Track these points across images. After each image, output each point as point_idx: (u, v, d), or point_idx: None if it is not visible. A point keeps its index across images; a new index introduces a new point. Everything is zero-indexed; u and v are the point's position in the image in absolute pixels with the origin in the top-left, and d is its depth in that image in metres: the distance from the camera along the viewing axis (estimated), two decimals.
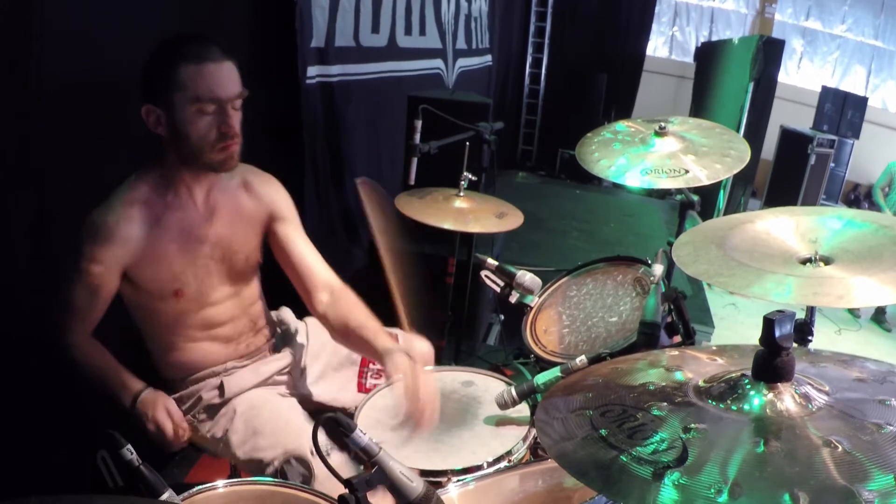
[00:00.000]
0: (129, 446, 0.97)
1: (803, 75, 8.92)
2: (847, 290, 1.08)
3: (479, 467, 1.33)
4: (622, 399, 0.85)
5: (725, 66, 6.68)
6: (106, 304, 1.46)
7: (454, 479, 1.28)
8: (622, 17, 7.98)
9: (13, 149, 1.53)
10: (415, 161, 2.27)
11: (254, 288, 1.68)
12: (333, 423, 0.94)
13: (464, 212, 2.23)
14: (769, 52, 5.85)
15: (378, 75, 3.59)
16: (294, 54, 2.56)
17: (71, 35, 1.61)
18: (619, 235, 5.20)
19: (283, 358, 1.71)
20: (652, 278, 1.53)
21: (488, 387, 1.65)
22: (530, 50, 7.88)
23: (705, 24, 9.19)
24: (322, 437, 0.96)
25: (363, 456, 0.96)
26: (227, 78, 1.40)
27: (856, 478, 0.63)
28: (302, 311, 1.88)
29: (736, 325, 4.58)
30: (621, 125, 2.13)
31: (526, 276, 1.85)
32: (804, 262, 1.21)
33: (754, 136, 5.81)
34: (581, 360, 1.48)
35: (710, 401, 0.81)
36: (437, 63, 4.65)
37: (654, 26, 8.64)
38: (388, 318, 1.68)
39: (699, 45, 8.56)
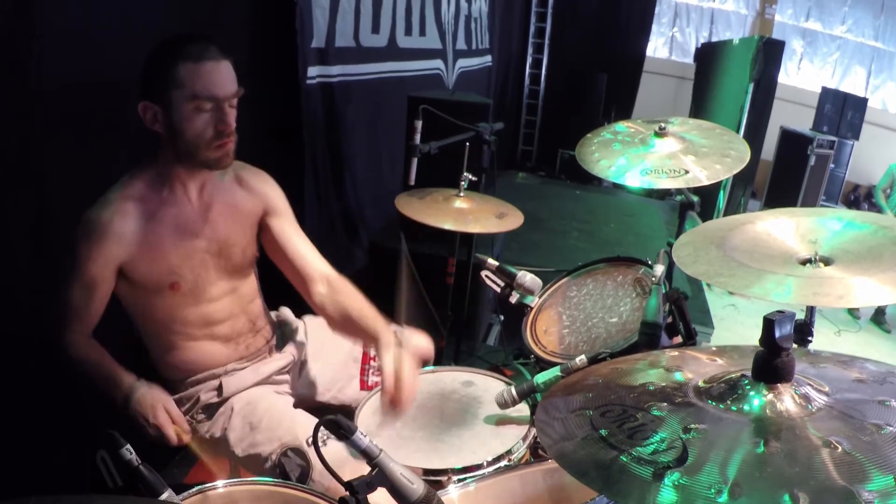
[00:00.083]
0: (129, 446, 0.97)
1: (803, 76, 8.92)
2: (847, 291, 1.08)
3: (479, 466, 1.33)
4: (622, 399, 0.85)
5: (725, 67, 6.68)
6: (103, 302, 1.46)
7: (454, 478, 1.29)
8: (622, 17, 7.98)
9: (13, 149, 1.53)
10: (415, 161, 2.27)
11: (251, 284, 1.68)
12: (334, 425, 0.94)
13: (464, 212, 2.23)
14: (769, 52, 5.85)
15: (378, 75, 3.59)
16: (294, 54, 2.56)
17: (71, 35, 1.61)
18: (619, 236, 5.20)
19: (283, 358, 1.71)
20: (653, 279, 1.53)
21: (488, 387, 1.65)
22: (530, 50, 7.88)
23: (705, 24, 9.19)
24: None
25: (364, 458, 0.96)
26: (224, 77, 1.41)
27: (855, 478, 0.63)
28: (300, 311, 1.89)
29: (736, 325, 4.58)
30: (621, 126, 2.13)
31: (526, 277, 1.85)
32: (804, 262, 1.21)
33: (754, 136, 5.81)
34: (581, 359, 1.48)
35: (710, 401, 0.81)
36: (437, 63, 4.65)
37: (654, 27, 8.64)
38: (389, 302, 1.69)
39: (699, 45, 8.56)
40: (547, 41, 7.84)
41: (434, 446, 1.42)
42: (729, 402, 0.79)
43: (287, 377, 1.72)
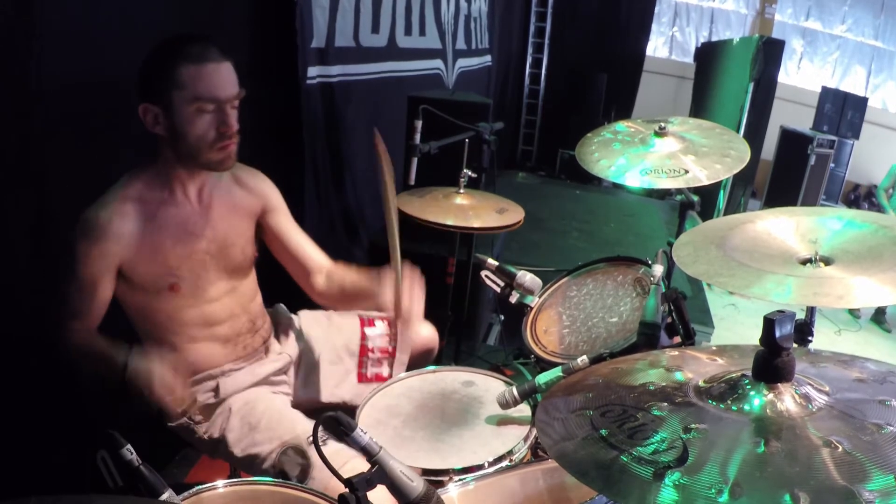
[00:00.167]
0: (129, 446, 0.97)
1: (803, 76, 8.92)
2: (847, 291, 1.08)
3: (480, 467, 1.33)
4: (622, 399, 0.85)
5: (725, 67, 6.68)
6: (103, 304, 1.45)
7: (455, 478, 1.29)
8: (622, 17, 7.98)
9: (13, 149, 1.53)
10: (415, 161, 2.27)
11: (251, 283, 1.68)
12: (334, 422, 0.94)
13: (464, 208, 2.23)
14: (769, 52, 5.85)
15: (378, 75, 3.58)
16: (294, 54, 2.56)
17: (71, 35, 1.61)
18: (619, 235, 5.21)
19: (280, 359, 1.71)
20: (652, 279, 1.53)
21: (489, 387, 1.65)
22: (530, 50, 7.88)
23: (705, 24, 9.19)
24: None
25: (364, 455, 0.96)
26: (226, 78, 1.41)
27: (856, 478, 0.63)
28: (293, 307, 1.89)
29: (736, 325, 4.57)
30: (621, 125, 2.13)
31: (526, 277, 1.85)
32: (804, 262, 1.21)
33: (754, 136, 5.81)
34: (583, 359, 1.48)
35: (710, 401, 0.81)
36: (437, 63, 4.65)
37: (654, 26, 8.64)
38: None
39: (699, 45, 8.56)
40: (547, 41, 7.83)
41: (435, 446, 1.42)
42: (729, 402, 0.79)
43: (284, 377, 1.72)
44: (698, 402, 0.81)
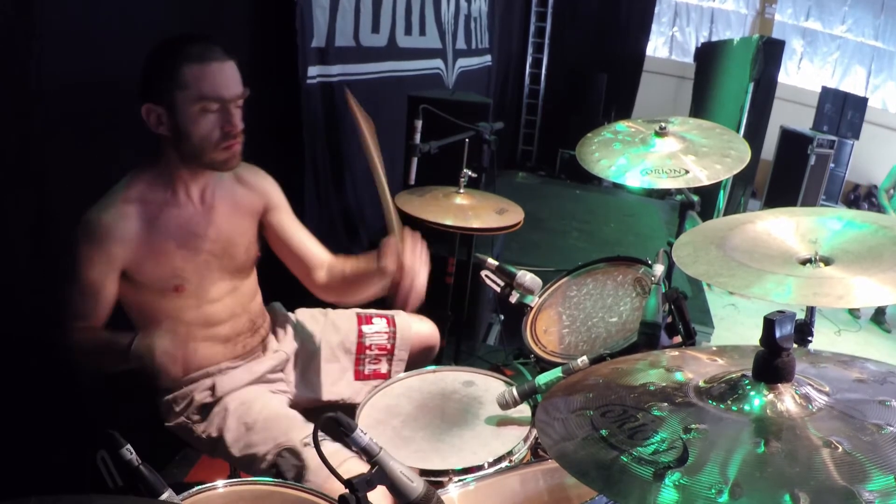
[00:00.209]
0: (129, 446, 0.97)
1: (803, 76, 8.92)
2: (847, 291, 1.08)
3: (479, 467, 1.33)
4: (623, 399, 0.85)
5: (725, 67, 6.68)
6: (108, 306, 1.44)
7: (455, 478, 1.29)
8: (622, 17, 7.98)
9: (13, 149, 1.53)
10: (415, 161, 2.28)
11: (252, 283, 1.68)
12: (334, 422, 0.94)
13: (464, 208, 2.23)
14: (769, 52, 5.84)
15: (378, 75, 3.58)
16: (294, 54, 2.56)
17: (71, 35, 1.61)
18: (619, 235, 5.21)
19: (276, 357, 1.70)
20: (652, 278, 1.53)
21: (489, 387, 1.65)
22: (530, 50, 7.87)
23: (705, 24, 9.19)
24: (312, 427, 0.96)
25: (364, 456, 0.96)
26: (230, 77, 1.40)
27: (856, 478, 0.63)
28: (291, 305, 1.89)
29: (736, 325, 4.57)
30: (621, 125, 2.13)
31: (526, 277, 1.85)
32: (804, 262, 1.21)
33: (754, 136, 5.81)
34: (583, 360, 1.48)
35: (710, 401, 0.81)
36: (437, 63, 4.65)
37: (654, 26, 8.64)
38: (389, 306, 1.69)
39: (699, 45, 8.56)
40: (547, 41, 7.83)
41: (435, 446, 1.42)
42: (729, 402, 0.79)
43: (281, 375, 1.72)
44: (698, 403, 0.81)
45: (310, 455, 1.40)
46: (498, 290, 1.87)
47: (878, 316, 5.01)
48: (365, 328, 1.84)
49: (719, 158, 1.87)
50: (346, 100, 1.59)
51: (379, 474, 0.94)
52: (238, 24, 2.36)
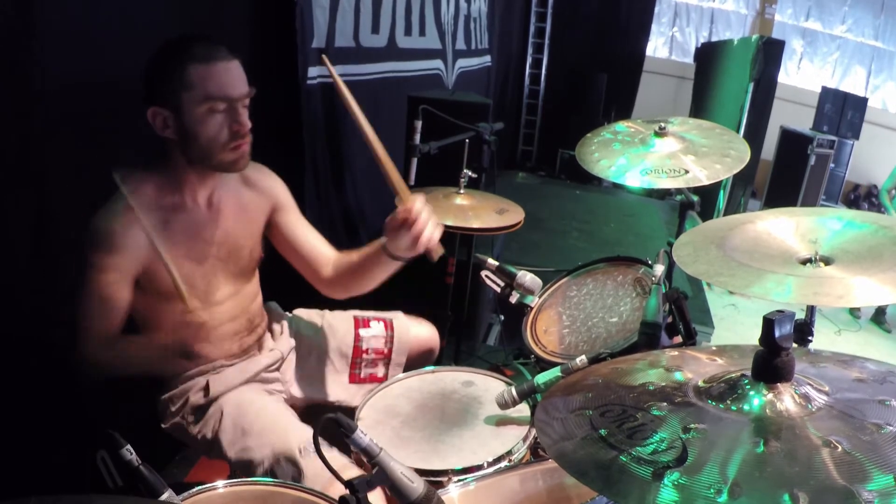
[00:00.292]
0: (129, 446, 0.97)
1: (803, 76, 8.91)
2: (847, 290, 1.08)
3: (479, 467, 1.33)
4: (622, 399, 0.85)
5: (725, 67, 6.68)
6: (126, 314, 1.42)
7: (455, 478, 1.29)
8: (622, 17, 7.98)
9: (13, 149, 1.53)
10: (415, 161, 2.28)
11: (254, 285, 1.68)
12: (334, 423, 0.94)
13: (464, 209, 2.23)
14: (769, 52, 5.85)
15: (378, 76, 3.58)
16: (294, 54, 2.56)
17: (71, 35, 1.61)
18: (619, 235, 5.21)
19: (271, 356, 1.69)
20: (653, 279, 1.53)
21: (488, 387, 1.65)
22: (530, 50, 7.88)
23: (705, 24, 9.19)
24: (310, 432, 0.96)
25: (364, 457, 0.96)
26: (236, 76, 1.39)
27: (855, 478, 0.63)
28: (288, 305, 1.89)
29: (736, 325, 4.57)
30: (621, 125, 2.13)
31: (526, 277, 1.85)
32: (804, 262, 1.21)
33: (754, 136, 5.81)
34: (581, 359, 1.48)
35: (709, 401, 0.81)
36: (437, 63, 4.65)
37: (654, 27, 8.64)
38: (389, 303, 1.68)
39: (699, 45, 8.56)
40: (547, 41, 7.83)
41: (434, 447, 1.42)
42: (729, 402, 0.79)
43: (277, 374, 1.70)
44: (698, 402, 0.81)
45: (307, 463, 1.39)
46: (498, 290, 1.87)
47: (878, 316, 5.01)
48: (362, 332, 1.82)
49: (719, 158, 1.87)
50: (327, 68, 1.57)
51: (379, 475, 0.94)
52: (238, 24, 2.36)
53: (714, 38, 8.88)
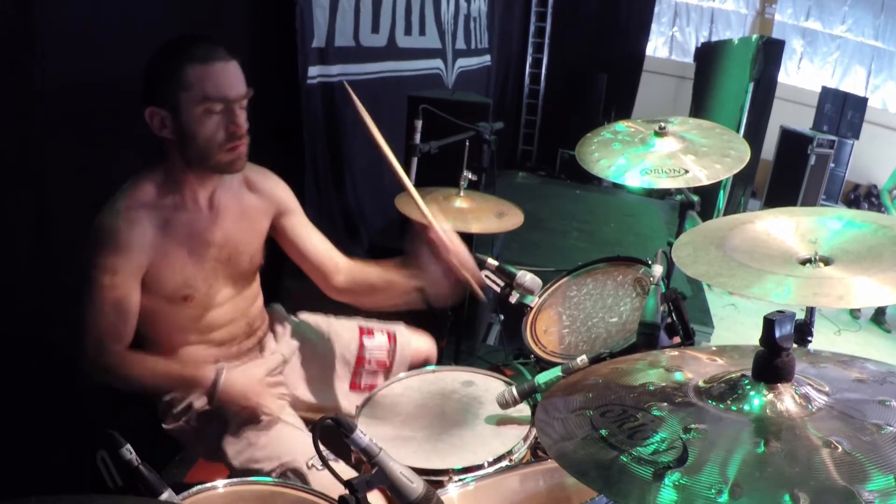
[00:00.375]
0: (129, 446, 0.97)
1: (803, 76, 8.91)
2: (847, 291, 1.08)
3: (479, 467, 1.33)
4: (622, 399, 0.85)
5: (725, 67, 6.68)
6: (136, 314, 1.41)
7: (455, 478, 1.28)
8: (622, 17, 7.98)
9: (13, 149, 1.53)
10: (415, 161, 2.28)
11: (255, 289, 1.67)
12: (334, 423, 0.94)
13: (464, 211, 2.23)
14: (769, 52, 5.84)
15: (378, 75, 3.59)
16: (294, 54, 2.56)
17: (71, 35, 1.61)
18: (619, 235, 5.21)
19: (274, 359, 1.69)
20: (652, 279, 1.53)
21: (489, 387, 1.65)
22: (530, 50, 7.88)
23: (705, 24, 9.19)
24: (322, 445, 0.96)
25: (363, 457, 0.96)
26: (233, 77, 1.38)
27: (856, 478, 0.63)
28: (292, 309, 1.89)
29: (736, 325, 4.57)
30: (621, 125, 2.13)
31: (526, 277, 1.85)
32: (804, 262, 1.21)
33: (754, 136, 5.81)
34: (582, 359, 1.48)
35: (710, 401, 0.81)
36: (437, 63, 4.65)
37: (654, 26, 8.64)
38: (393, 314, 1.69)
39: (699, 45, 8.56)
40: (547, 41, 7.83)
41: (435, 446, 1.42)
42: (729, 402, 0.79)
43: (280, 378, 1.69)
44: (698, 403, 0.81)
45: (315, 478, 1.39)
46: (498, 290, 1.87)
47: (878, 316, 5.01)
48: (366, 341, 1.82)
49: (719, 158, 1.87)
50: (348, 93, 1.58)
51: (379, 475, 0.94)
52: (238, 24, 2.36)
53: (714, 38, 8.87)
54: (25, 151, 1.55)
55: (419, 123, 2.28)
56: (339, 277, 1.68)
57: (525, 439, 1.43)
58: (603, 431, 0.78)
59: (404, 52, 3.93)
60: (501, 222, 2.20)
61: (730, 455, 0.69)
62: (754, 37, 6.17)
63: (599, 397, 0.87)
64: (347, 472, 1.28)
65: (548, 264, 3.65)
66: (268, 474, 1.43)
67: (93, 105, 1.70)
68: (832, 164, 6.84)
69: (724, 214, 5.88)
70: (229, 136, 1.39)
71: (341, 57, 3.08)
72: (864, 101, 7.47)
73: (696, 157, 1.88)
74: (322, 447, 0.97)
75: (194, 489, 1.15)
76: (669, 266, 1.75)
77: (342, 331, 1.84)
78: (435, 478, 1.29)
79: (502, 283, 1.86)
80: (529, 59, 7.90)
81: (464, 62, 5.28)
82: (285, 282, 1.77)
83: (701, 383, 0.85)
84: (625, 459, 0.71)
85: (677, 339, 1.58)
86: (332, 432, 0.95)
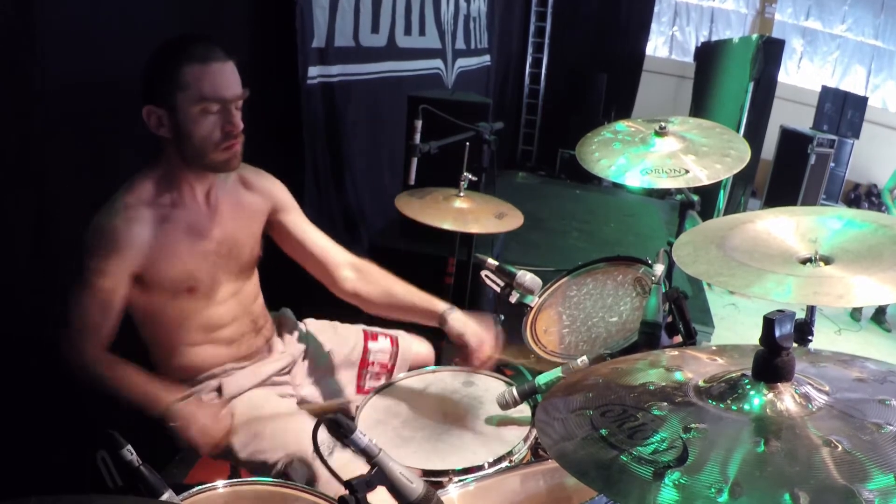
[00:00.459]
0: (129, 446, 0.97)
1: (803, 75, 8.91)
2: (847, 290, 1.08)
3: (480, 467, 1.33)
4: (622, 399, 0.85)
5: (725, 66, 6.67)
6: (121, 313, 1.43)
7: (455, 479, 1.28)
8: (622, 17, 7.98)
9: (13, 149, 1.53)
10: (415, 161, 2.27)
11: (254, 284, 1.68)
12: (334, 424, 0.94)
13: (463, 212, 2.23)
14: (769, 51, 5.84)
15: (378, 75, 3.59)
16: (294, 54, 2.56)
17: (71, 35, 1.61)
18: (619, 235, 5.20)
19: (282, 359, 1.71)
20: (653, 278, 1.53)
21: (489, 387, 1.65)
22: (530, 50, 7.88)
23: (705, 23, 9.19)
24: (325, 435, 0.96)
25: (363, 457, 0.96)
26: (230, 78, 1.40)
27: (856, 477, 0.63)
28: (300, 314, 1.90)
29: (736, 325, 4.57)
30: (621, 125, 2.13)
31: (526, 277, 1.85)
32: (804, 261, 1.21)
33: (754, 135, 5.81)
34: (583, 360, 1.48)
35: (710, 401, 0.81)
36: (437, 63, 4.65)
37: (654, 26, 8.64)
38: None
39: (699, 44, 8.56)
40: (547, 41, 7.83)
41: (435, 446, 1.42)
42: (729, 402, 0.79)
43: (288, 378, 1.71)
44: (698, 402, 0.81)
45: (321, 465, 1.39)
46: (498, 290, 1.87)
47: (879, 315, 5.01)
48: (371, 344, 1.86)
49: (719, 158, 1.87)
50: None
51: (379, 475, 0.94)
52: (238, 24, 2.36)
53: (714, 38, 8.87)
54: (25, 151, 1.56)
55: (419, 123, 2.27)
56: (346, 274, 1.69)
57: (525, 440, 1.43)
58: (603, 431, 0.78)
59: (404, 52, 3.93)
60: (501, 223, 2.20)
61: (730, 454, 0.69)
62: (754, 36, 6.17)
63: (599, 397, 0.87)
64: (354, 463, 1.28)
65: (548, 264, 3.64)
66: (273, 465, 1.44)
67: (93, 105, 1.70)
68: (832, 164, 6.84)
69: (725, 214, 5.88)
70: (225, 136, 1.41)
71: (341, 57, 3.08)
72: (864, 100, 7.47)
73: (696, 156, 1.88)
74: (328, 437, 0.97)
75: (194, 489, 1.15)
76: (670, 265, 1.74)
77: (347, 335, 1.87)
78: (435, 478, 1.29)
79: (502, 283, 1.86)
80: (529, 59, 7.90)
81: (464, 62, 5.28)
82: (292, 287, 1.77)
83: (701, 383, 0.85)
84: (625, 459, 0.71)
85: (678, 339, 1.58)
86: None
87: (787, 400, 0.77)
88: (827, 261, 1.20)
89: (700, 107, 7.27)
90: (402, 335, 1.91)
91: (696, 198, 2.04)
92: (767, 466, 0.67)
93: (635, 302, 1.84)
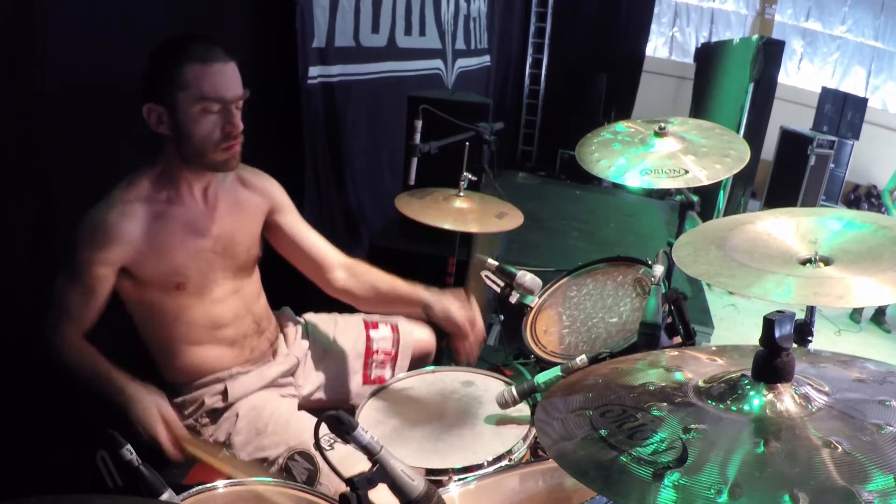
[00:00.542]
0: (129, 446, 0.97)
1: (803, 76, 8.91)
2: (847, 291, 1.08)
3: (479, 466, 1.33)
4: (622, 399, 0.85)
5: (725, 67, 6.67)
6: (102, 305, 1.44)
7: (455, 477, 1.29)
8: (622, 17, 7.98)
9: (13, 149, 1.53)
10: (415, 161, 2.27)
11: (255, 283, 1.68)
12: (335, 420, 0.94)
13: (463, 212, 2.23)
14: (769, 52, 5.84)
15: (378, 75, 3.59)
16: (294, 54, 2.56)
17: (71, 35, 1.61)
18: (619, 235, 5.20)
19: (287, 361, 1.70)
20: (652, 279, 1.53)
21: (488, 387, 1.65)
22: (530, 50, 7.87)
23: (705, 24, 9.19)
24: (326, 429, 0.96)
25: (365, 454, 0.96)
26: (231, 78, 1.41)
27: (856, 478, 0.63)
28: (299, 309, 1.89)
29: (736, 325, 4.57)
30: (621, 125, 2.13)
31: (526, 277, 1.85)
32: (804, 262, 1.21)
33: (754, 136, 5.80)
34: (581, 359, 1.48)
35: (709, 401, 0.81)
36: (437, 63, 4.65)
37: (654, 27, 8.63)
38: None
39: (699, 45, 8.56)
40: (547, 41, 7.83)
41: (435, 446, 1.42)
42: (729, 402, 0.79)
43: (291, 379, 1.71)
44: (698, 403, 0.81)
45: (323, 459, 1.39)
46: (498, 290, 1.87)
47: (878, 316, 5.01)
48: (372, 333, 1.86)
49: (719, 158, 1.87)
50: None
51: (380, 473, 0.94)
52: (238, 24, 2.36)
53: (714, 39, 8.87)
54: (25, 151, 1.56)
55: (419, 123, 2.27)
56: (339, 274, 1.71)
57: (525, 439, 1.43)
58: (602, 431, 0.78)
59: (404, 53, 3.93)
60: (501, 223, 2.20)
61: (729, 455, 0.69)
62: (754, 37, 6.17)
63: (599, 397, 0.87)
64: (354, 455, 1.28)
65: (548, 264, 3.65)
66: (275, 461, 1.44)
67: (93, 105, 1.70)
68: (832, 165, 6.85)
69: (724, 215, 5.89)
70: (225, 136, 1.42)
71: (341, 57, 3.08)
72: (863, 101, 7.47)
73: (696, 157, 1.88)
74: (330, 434, 0.97)
75: (194, 489, 1.15)
76: (670, 266, 1.74)
77: (349, 326, 1.87)
78: (435, 477, 1.30)
79: (502, 284, 1.86)
80: (529, 60, 7.90)
81: (464, 62, 5.28)
82: (290, 283, 1.78)
83: (701, 383, 0.85)
84: (624, 459, 0.71)
85: (677, 339, 1.59)
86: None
87: (786, 400, 0.77)
88: (827, 262, 1.20)
89: (700, 107, 7.27)
90: (401, 321, 1.91)
91: (695, 198, 2.04)
92: (767, 467, 0.67)
93: (635, 302, 1.84)
